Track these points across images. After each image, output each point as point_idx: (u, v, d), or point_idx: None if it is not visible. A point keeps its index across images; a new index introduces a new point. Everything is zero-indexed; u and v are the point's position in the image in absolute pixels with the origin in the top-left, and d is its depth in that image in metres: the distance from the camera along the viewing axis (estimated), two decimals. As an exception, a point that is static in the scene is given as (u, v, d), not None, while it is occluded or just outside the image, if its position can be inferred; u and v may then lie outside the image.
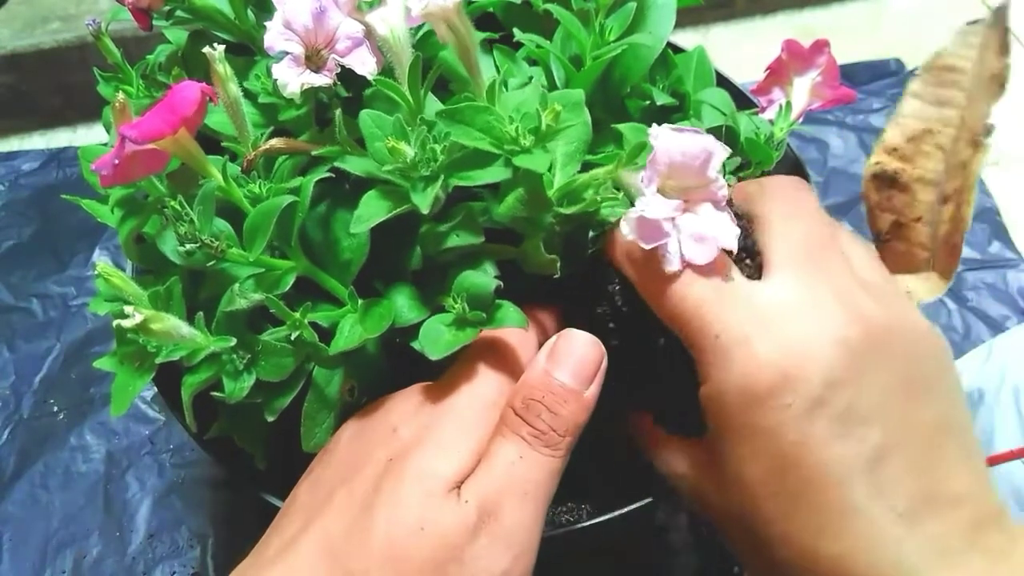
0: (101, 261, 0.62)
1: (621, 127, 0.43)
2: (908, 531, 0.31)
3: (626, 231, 0.34)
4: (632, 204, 0.34)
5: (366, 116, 0.38)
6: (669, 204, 0.33)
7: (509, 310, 0.38)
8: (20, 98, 0.90)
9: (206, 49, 0.38)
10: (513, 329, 0.38)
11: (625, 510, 0.42)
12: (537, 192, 0.37)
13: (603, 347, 0.38)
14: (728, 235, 0.35)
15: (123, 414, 0.62)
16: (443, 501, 0.33)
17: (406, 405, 0.38)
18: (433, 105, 0.39)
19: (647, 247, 0.34)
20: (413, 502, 0.33)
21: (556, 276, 0.39)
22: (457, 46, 0.38)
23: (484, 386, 0.37)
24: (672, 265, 0.34)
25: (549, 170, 0.37)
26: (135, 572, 0.60)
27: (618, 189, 0.37)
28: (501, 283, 0.38)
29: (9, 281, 0.78)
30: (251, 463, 0.43)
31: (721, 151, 0.34)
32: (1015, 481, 0.53)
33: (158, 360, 0.38)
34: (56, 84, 0.90)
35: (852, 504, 0.31)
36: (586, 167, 0.38)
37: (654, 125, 0.33)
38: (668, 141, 0.33)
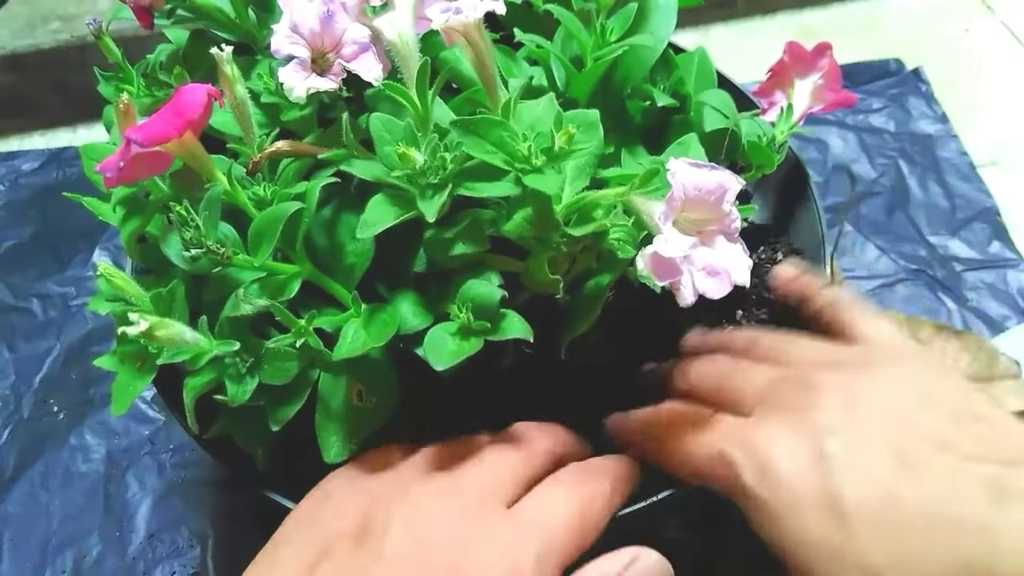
0: (101, 261, 0.61)
1: (642, 161, 0.43)
2: None
3: (641, 267, 0.34)
4: (642, 229, 0.34)
5: (376, 120, 0.37)
6: (685, 241, 0.33)
7: (513, 320, 0.38)
8: (20, 98, 0.90)
9: (213, 50, 0.38)
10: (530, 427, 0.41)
11: (624, 511, 0.42)
12: (545, 212, 0.37)
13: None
14: (740, 268, 0.35)
15: (123, 414, 0.62)
16: None
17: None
18: (440, 109, 0.39)
19: (661, 283, 0.34)
20: None
21: (557, 296, 0.39)
22: (475, 60, 0.37)
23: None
24: (686, 300, 0.34)
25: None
26: (135, 572, 0.60)
27: (628, 213, 0.36)
28: (506, 294, 0.38)
29: (9, 281, 0.78)
30: (251, 463, 0.43)
31: (736, 184, 0.34)
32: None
33: (159, 362, 0.38)
34: (56, 84, 0.89)
35: None
36: (594, 180, 0.38)
37: (671, 159, 0.33)
38: (685, 176, 0.33)
